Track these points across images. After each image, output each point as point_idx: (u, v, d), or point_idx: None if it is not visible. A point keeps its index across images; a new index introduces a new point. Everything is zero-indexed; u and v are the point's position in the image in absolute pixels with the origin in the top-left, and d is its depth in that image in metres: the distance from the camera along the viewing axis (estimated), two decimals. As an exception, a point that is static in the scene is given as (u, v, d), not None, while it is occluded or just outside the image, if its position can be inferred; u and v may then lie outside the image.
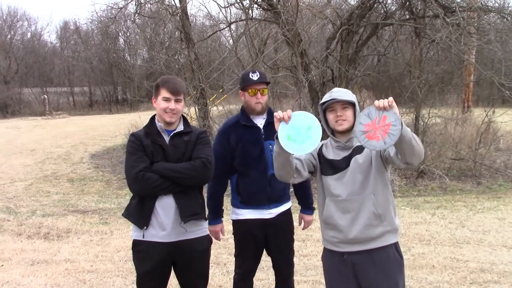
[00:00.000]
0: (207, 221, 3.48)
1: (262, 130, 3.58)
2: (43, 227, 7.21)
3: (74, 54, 42.02)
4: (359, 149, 2.86)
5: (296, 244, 5.83)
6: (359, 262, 2.84)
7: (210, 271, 5.07)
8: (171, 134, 3.19)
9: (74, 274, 5.34)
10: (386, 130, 2.49)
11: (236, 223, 3.71)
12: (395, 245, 2.89)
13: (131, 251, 3.24)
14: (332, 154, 2.94)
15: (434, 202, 8.39)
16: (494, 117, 11.53)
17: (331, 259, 2.97)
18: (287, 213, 3.70)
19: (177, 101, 3.14)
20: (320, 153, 2.99)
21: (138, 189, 3.12)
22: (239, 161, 3.61)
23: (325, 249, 3.04)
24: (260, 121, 3.61)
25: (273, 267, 3.83)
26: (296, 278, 4.94)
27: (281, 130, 2.67)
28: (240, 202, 3.66)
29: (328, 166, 2.92)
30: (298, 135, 2.66)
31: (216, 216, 3.72)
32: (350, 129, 2.88)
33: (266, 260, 3.83)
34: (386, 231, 2.84)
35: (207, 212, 3.46)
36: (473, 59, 12.01)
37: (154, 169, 3.08)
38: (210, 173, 3.21)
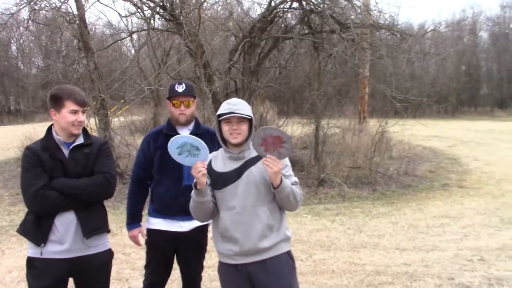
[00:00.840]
0: (127, 226, 3.60)
1: None
2: None
3: (-40, 61, 39.04)
4: (253, 161, 2.90)
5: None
6: (253, 271, 2.88)
7: (112, 287, 4.89)
8: (71, 147, 3.05)
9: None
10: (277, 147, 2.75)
11: (148, 232, 3.67)
12: (288, 252, 2.97)
13: (24, 271, 3.04)
14: (222, 165, 2.95)
15: (334, 209, 8.73)
16: (387, 127, 12.22)
17: (226, 271, 2.98)
18: (201, 229, 3.64)
19: (83, 112, 3.04)
20: (209, 168, 2.95)
21: (38, 208, 2.96)
22: (155, 168, 3.60)
23: (220, 262, 3.04)
24: (184, 132, 3.58)
25: (182, 279, 3.79)
26: (201, 290, 4.93)
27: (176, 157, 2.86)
28: (154, 210, 3.64)
29: (219, 180, 2.92)
30: (188, 151, 2.82)
31: (132, 221, 3.68)
32: (243, 142, 2.91)
33: (172, 273, 3.77)
34: (279, 241, 2.90)
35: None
36: (367, 72, 12.74)
37: (54, 186, 2.94)
38: (113, 188, 3.14)
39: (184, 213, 3.42)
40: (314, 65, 11.46)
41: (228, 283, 3.00)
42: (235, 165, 2.91)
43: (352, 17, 10.54)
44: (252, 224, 2.84)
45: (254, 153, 2.90)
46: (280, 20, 11.44)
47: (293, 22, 11.74)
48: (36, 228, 2.98)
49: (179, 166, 2.97)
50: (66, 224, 2.97)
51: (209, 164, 2.97)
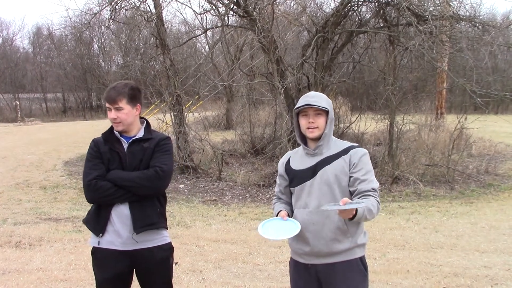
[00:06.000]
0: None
1: None
2: (15, 236, 7.04)
3: (47, 59, 41.52)
4: (329, 160, 2.82)
5: (272, 251, 5.86)
6: (323, 272, 2.83)
7: (186, 279, 5.03)
8: (130, 141, 3.14)
9: (46, 283, 5.22)
10: None
11: None
12: (361, 258, 2.86)
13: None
14: (299, 163, 2.91)
15: (409, 208, 8.48)
16: (466, 123, 11.72)
17: (296, 267, 2.96)
18: None
19: (117, 109, 3.05)
20: (288, 167, 2.96)
21: (91, 197, 3.11)
22: None
23: (291, 258, 3.02)
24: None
25: None
26: (272, 284, 4.96)
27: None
28: None
29: (295, 177, 2.90)
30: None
31: None
32: (320, 137, 2.86)
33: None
34: (352, 247, 2.81)
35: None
36: (445, 66, 12.22)
37: (108, 177, 3.06)
38: (163, 183, 3.12)
39: None
40: (389, 59, 11.16)
41: (297, 279, 2.97)
42: (311, 162, 2.86)
43: (430, 8, 10.18)
44: (323, 225, 2.78)
45: (331, 151, 2.84)
46: (355, 13, 11.26)
47: (368, 16, 11.51)
48: (95, 218, 3.14)
49: None
50: (121, 216, 3.06)
51: (287, 162, 2.97)
